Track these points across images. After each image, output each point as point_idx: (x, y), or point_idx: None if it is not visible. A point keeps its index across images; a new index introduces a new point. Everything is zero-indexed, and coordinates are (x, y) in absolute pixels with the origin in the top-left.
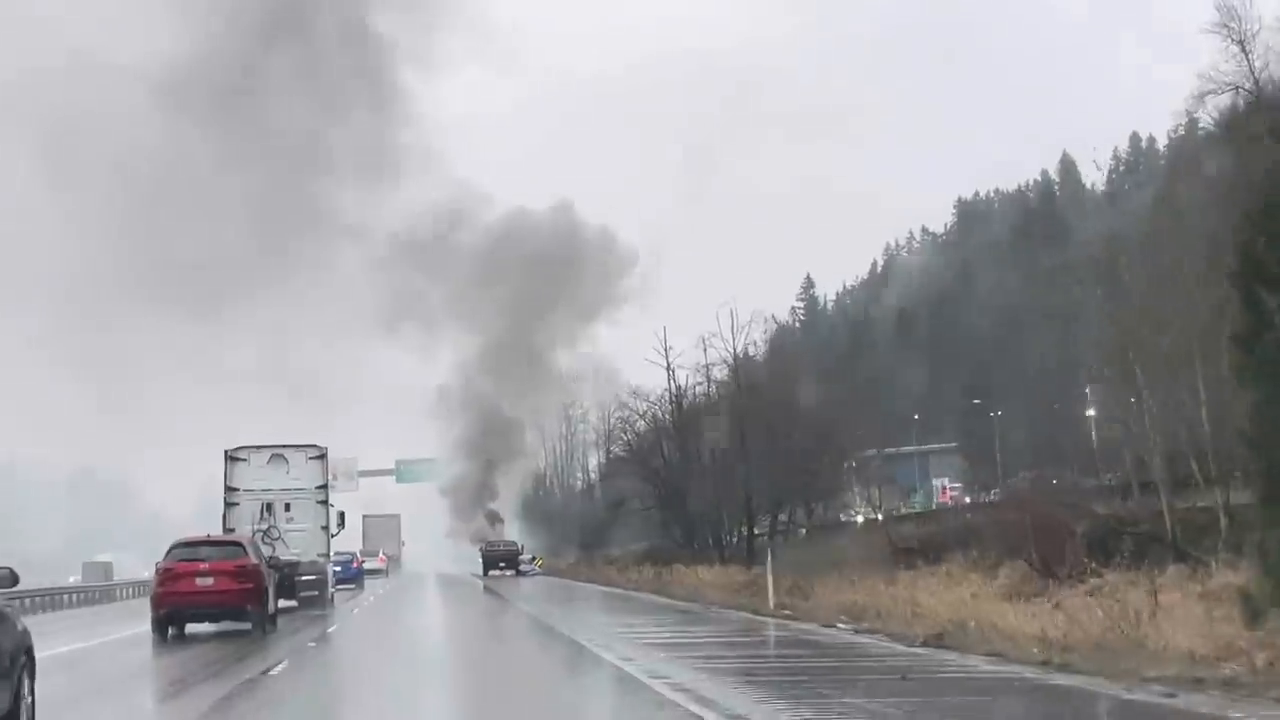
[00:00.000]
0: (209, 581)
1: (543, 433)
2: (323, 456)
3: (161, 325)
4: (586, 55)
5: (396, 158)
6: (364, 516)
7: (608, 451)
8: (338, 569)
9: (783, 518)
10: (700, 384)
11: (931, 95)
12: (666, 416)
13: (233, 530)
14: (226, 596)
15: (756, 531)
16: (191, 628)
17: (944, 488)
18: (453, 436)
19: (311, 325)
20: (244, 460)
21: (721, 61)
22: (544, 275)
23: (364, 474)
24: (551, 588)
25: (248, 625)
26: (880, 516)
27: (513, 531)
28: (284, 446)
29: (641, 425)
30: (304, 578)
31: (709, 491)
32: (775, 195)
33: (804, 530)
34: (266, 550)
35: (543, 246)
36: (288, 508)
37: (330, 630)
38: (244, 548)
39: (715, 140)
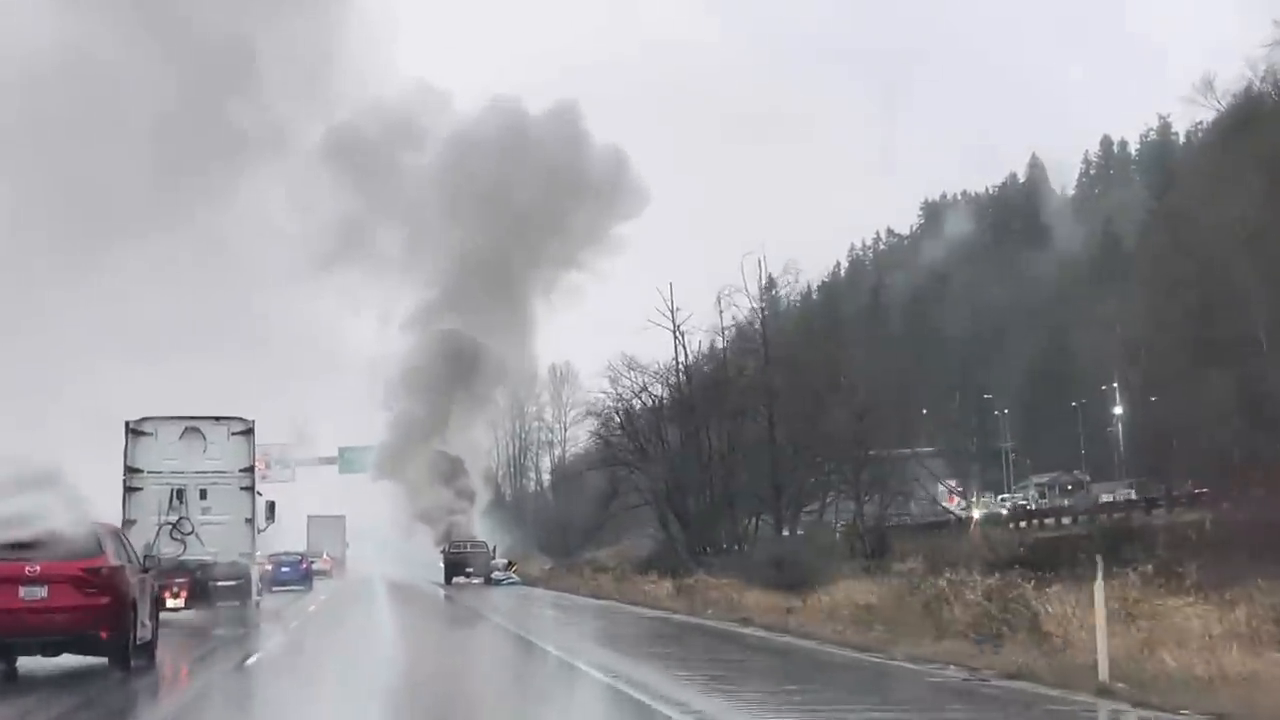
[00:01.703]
0: (40, 593)
1: (496, 429)
2: (249, 432)
3: (51, 271)
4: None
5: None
6: (309, 517)
7: (563, 454)
8: (285, 570)
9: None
10: (708, 353)
11: (894, 98)
12: (670, 390)
13: (134, 522)
14: (67, 617)
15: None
16: (27, 662)
17: (950, 491)
18: (400, 377)
19: (239, 279)
20: (149, 435)
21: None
22: (535, 195)
23: (302, 463)
24: (561, 608)
25: (104, 659)
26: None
27: (477, 529)
28: (200, 419)
29: (637, 403)
30: (221, 583)
31: (724, 484)
32: (734, 195)
33: (838, 534)
34: (174, 548)
35: (536, 158)
36: (204, 495)
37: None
38: (99, 540)
39: (667, 137)
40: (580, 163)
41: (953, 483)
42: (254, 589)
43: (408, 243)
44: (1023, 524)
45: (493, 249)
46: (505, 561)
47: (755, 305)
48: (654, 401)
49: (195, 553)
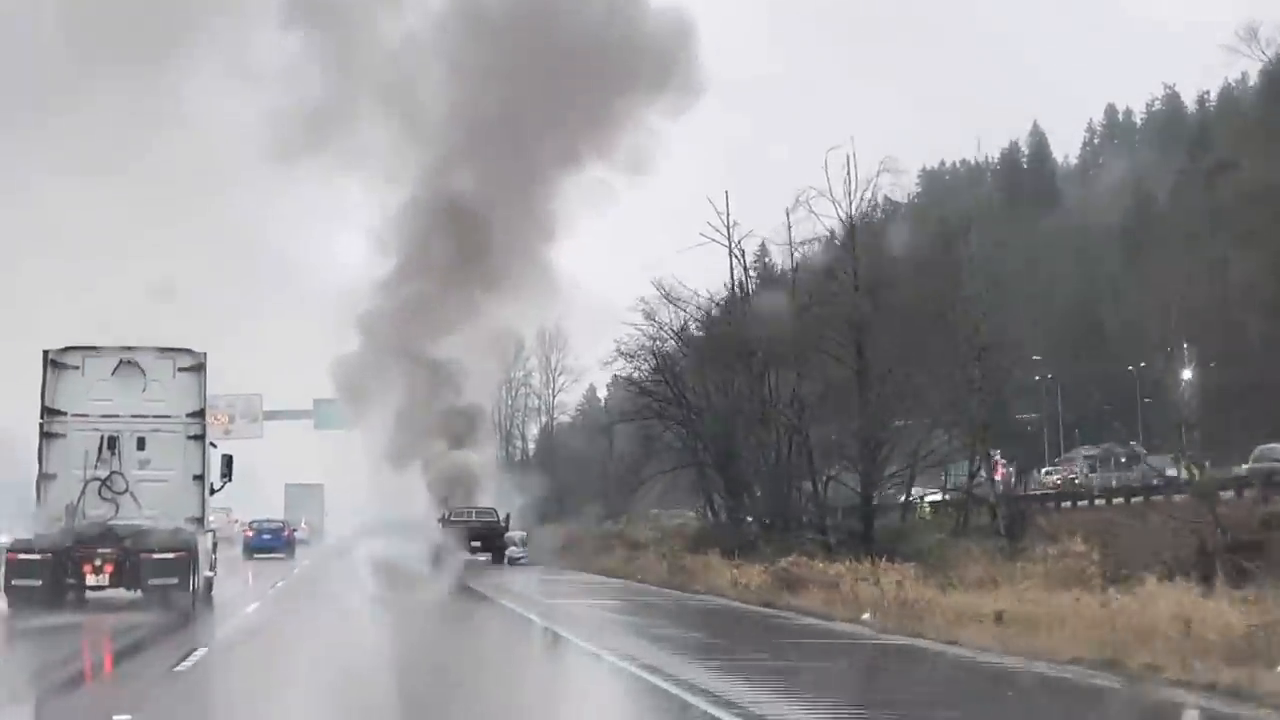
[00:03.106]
0: None
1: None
2: (200, 368)
3: None
4: None
5: None
6: (286, 485)
7: (551, 421)
8: (266, 536)
9: (893, 486)
10: (774, 268)
11: (889, 61)
12: (723, 320)
13: (53, 477)
14: None
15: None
16: None
17: (995, 463)
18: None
19: (187, 184)
20: (75, 369)
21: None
22: (563, 67)
23: (272, 415)
24: (655, 613)
25: None
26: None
27: (488, 491)
28: (139, 350)
29: (674, 343)
30: (157, 556)
31: (802, 439)
32: (718, 158)
33: (928, 506)
34: (105, 511)
35: (567, 18)
36: (142, 444)
37: None
38: None
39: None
40: (629, 26)
41: (996, 453)
42: (202, 566)
43: (395, 132)
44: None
45: (503, 136)
46: (523, 535)
47: (842, 212)
48: (702, 332)
49: (129, 516)
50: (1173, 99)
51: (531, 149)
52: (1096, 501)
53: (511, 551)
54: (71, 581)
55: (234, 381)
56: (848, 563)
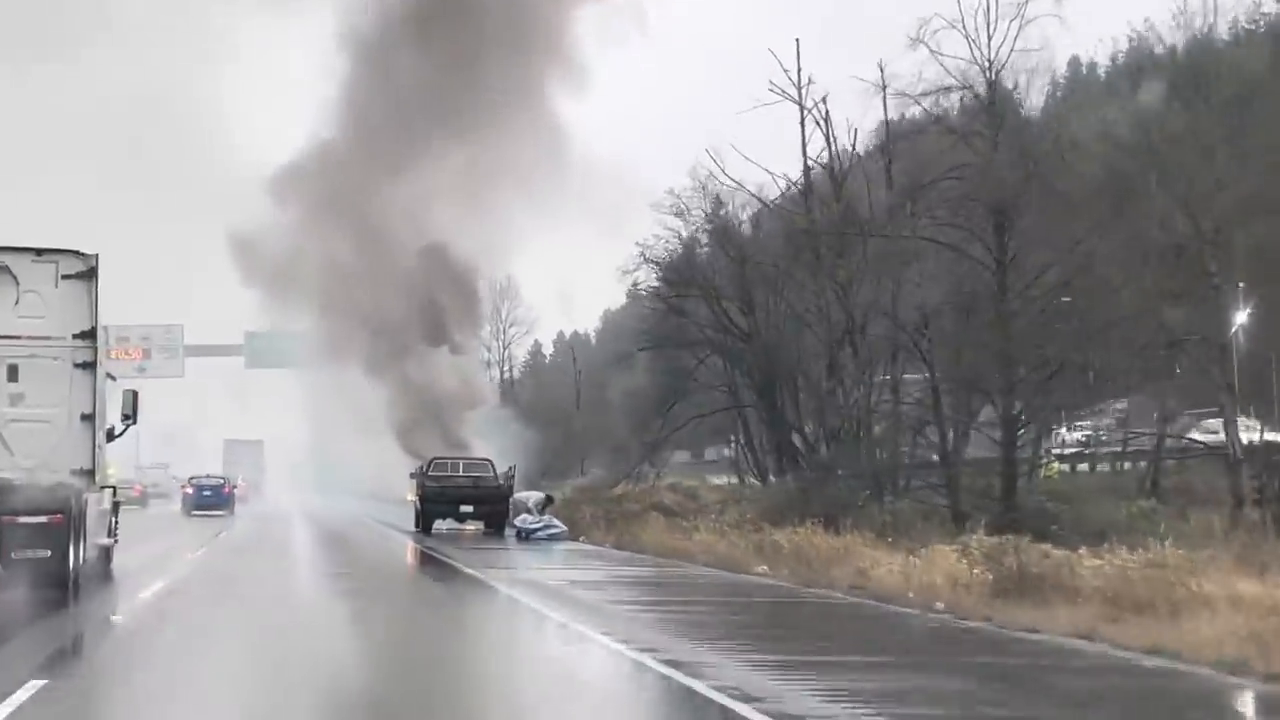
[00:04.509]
0: None
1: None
2: (90, 275)
3: None
4: None
5: None
6: (225, 441)
7: (503, 374)
8: (206, 493)
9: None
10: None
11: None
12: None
13: None
14: None
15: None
16: None
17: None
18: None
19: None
20: None
21: None
22: None
23: (195, 351)
24: None
25: None
26: None
27: (479, 439)
28: (9, 251)
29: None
30: (23, 520)
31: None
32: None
33: (1053, 462)
34: None
35: None
36: (14, 374)
37: None
38: None
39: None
40: None
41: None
42: (97, 530)
43: None
44: None
45: None
46: (541, 497)
47: (979, 52)
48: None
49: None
50: (1136, 51)
51: None
52: None
53: (523, 521)
54: None
55: (150, 309)
56: (1110, 550)
